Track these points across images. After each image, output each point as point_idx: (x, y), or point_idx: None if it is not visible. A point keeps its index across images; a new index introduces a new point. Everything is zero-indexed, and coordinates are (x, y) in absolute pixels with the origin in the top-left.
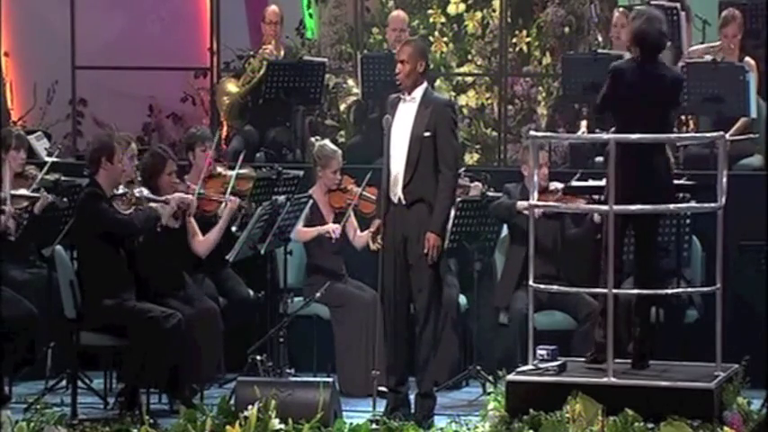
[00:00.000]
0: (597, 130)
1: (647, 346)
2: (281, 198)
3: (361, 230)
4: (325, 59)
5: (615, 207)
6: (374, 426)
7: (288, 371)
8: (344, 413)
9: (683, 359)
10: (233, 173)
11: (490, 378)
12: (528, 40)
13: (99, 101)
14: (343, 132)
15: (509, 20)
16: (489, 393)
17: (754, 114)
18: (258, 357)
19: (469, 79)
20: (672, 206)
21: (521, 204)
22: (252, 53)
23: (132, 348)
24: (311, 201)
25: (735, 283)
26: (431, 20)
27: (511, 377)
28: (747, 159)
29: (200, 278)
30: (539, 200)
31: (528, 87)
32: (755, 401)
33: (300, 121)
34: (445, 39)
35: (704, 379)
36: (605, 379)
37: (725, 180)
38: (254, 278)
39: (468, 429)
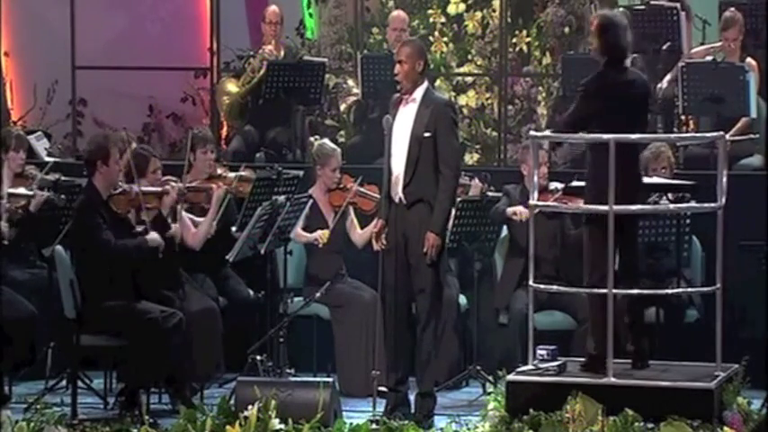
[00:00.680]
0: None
1: (645, 346)
2: (281, 198)
3: (362, 228)
4: (325, 59)
5: (615, 207)
6: (374, 426)
7: (288, 371)
8: (344, 413)
9: (683, 359)
10: (233, 174)
11: (490, 378)
12: (528, 40)
13: (99, 101)
14: (343, 132)
15: (509, 20)
16: (489, 393)
17: (754, 114)
18: (258, 357)
19: (469, 79)
20: (672, 206)
21: (509, 210)
22: (252, 53)
23: (132, 348)
24: (311, 200)
25: (735, 283)
26: (431, 20)
27: (511, 377)
28: (747, 159)
29: (201, 278)
30: (539, 200)
31: (528, 87)
32: (755, 401)
33: (300, 121)
34: (445, 39)
35: (704, 379)
36: (605, 379)
37: (725, 180)
38: (254, 278)
39: (468, 429)
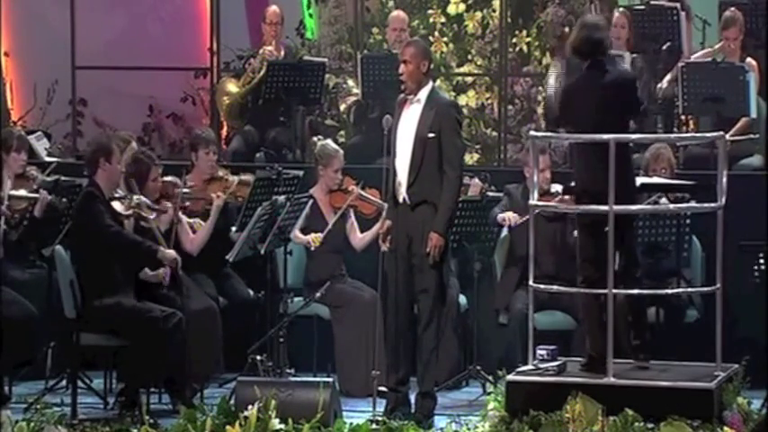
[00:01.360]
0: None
1: (647, 339)
2: (281, 198)
3: (362, 232)
4: (325, 59)
5: (615, 207)
6: (374, 426)
7: (288, 371)
8: (344, 413)
9: (683, 359)
10: (235, 178)
11: (490, 378)
12: (528, 40)
13: (99, 101)
14: (343, 132)
15: (509, 20)
16: (489, 393)
17: (754, 114)
18: (258, 357)
19: (469, 79)
20: (672, 206)
21: (499, 217)
22: (252, 53)
23: (132, 348)
24: (311, 200)
25: (735, 283)
26: (431, 20)
27: (511, 377)
28: (747, 159)
29: (200, 278)
30: (540, 201)
31: (528, 87)
32: (755, 401)
33: (300, 121)
34: (445, 39)
35: (704, 379)
36: (605, 379)
37: (725, 180)
38: (254, 278)
39: (468, 429)
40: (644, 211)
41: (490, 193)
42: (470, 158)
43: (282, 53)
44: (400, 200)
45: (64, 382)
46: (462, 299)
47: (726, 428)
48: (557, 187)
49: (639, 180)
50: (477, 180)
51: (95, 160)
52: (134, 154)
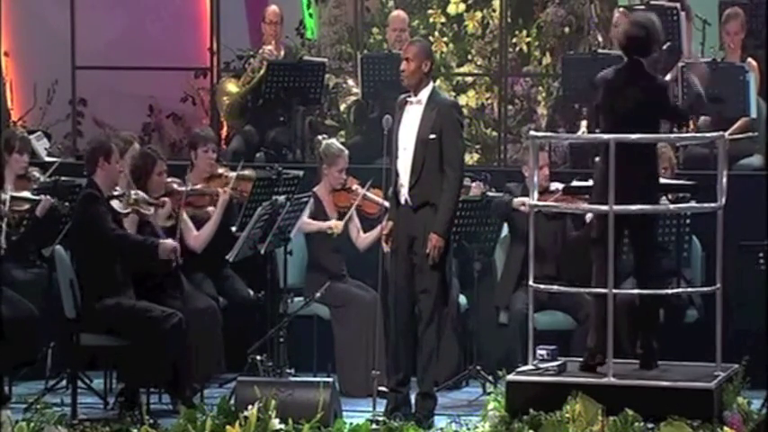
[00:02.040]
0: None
1: (654, 346)
2: (281, 198)
3: (364, 232)
4: (325, 59)
5: (615, 207)
6: (374, 426)
7: (288, 371)
8: (344, 413)
9: (683, 359)
10: (233, 173)
11: (490, 378)
12: (528, 40)
13: (99, 101)
14: (343, 132)
15: (509, 20)
16: (489, 393)
17: (754, 114)
18: (258, 357)
19: (469, 79)
20: (672, 206)
21: (517, 201)
22: (252, 53)
23: (132, 349)
24: (311, 199)
25: (735, 283)
26: (431, 20)
27: (511, 377)
28: (747, 159)
29: (200, 278)
30: (539, 200)
31: (528, 87)
32: (755, 401)
33: (300, 121)
34: (445, 39)
35: (704, 379)
36: (605, 379)
37: (725, 180)
38: (254, 278)
39: (468, 429)
40: (644, 211)
41: (490, 194)
42: (470, 158)
43: (282, 53)
44: (402, 201)
45: (64, 382)
46: (462, 299)
47: (726, 428)
48: (556, 185)
49: None
50: (478, 183)
51: (94, 159)
52: (141, 149)
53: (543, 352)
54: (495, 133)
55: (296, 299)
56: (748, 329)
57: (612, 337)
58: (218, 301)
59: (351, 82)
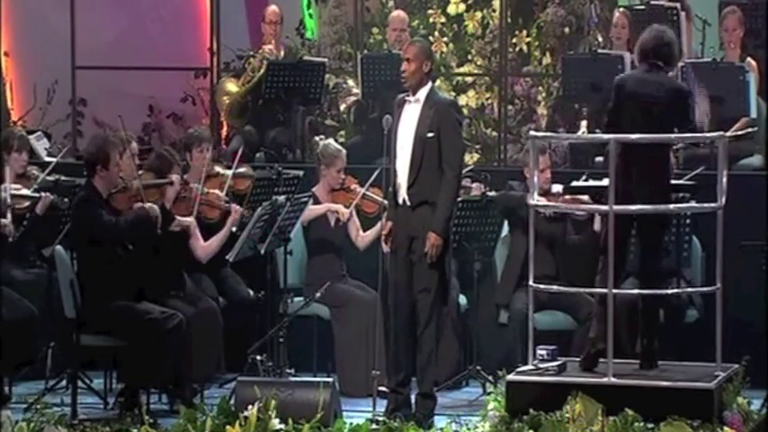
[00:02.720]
0: (597, 130)
1: (655, 347)
2: (281, 198)
3: (364, 230)
4: (326, 59)
5: (615, 207)
6: (374, 426)
7: (288, 371)
8: (344, 413)
9: (683, 359)
10: (230, 172)
11: (490, 378)
12: (528, 40)
13: (99, 101)
14: (343, 132)
15: (509, 20)
16: (489, 393)
17: (754, 114)
18: (258, 357)
19: (469, 79)
20: (672, 206)
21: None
22: (252, 53)
23: (132, 349)
24: (311, 199)
25: (735, 283)
26: (431, 20)
27: (511, 377)
28: (747, 159)
29: (200, 278)
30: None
31: (528, 87)
32: (755, 401)
33: (300, 121)
34: (445, 39)
35: (704, 379)
36: (605, 379)
37: (725, 180)
38: (254, 278)
39: (468, 429)
40: (644, 211)
41: (490, 194)
42: (470, 158)
43: (282, 53)
44: (400, 201)
45: (64, 382)
46: (462, 299)
47: (726, 428)
48: (557, 187)
49: None
50: (478, 184)
51: (92, 165)
52: (158, 150)
53: (543, 352)
54: (495, 133)
55: (296, 299)
56: (748, 330)
57: (613, 338)
58: (219, 301)
59: (351, 82)
